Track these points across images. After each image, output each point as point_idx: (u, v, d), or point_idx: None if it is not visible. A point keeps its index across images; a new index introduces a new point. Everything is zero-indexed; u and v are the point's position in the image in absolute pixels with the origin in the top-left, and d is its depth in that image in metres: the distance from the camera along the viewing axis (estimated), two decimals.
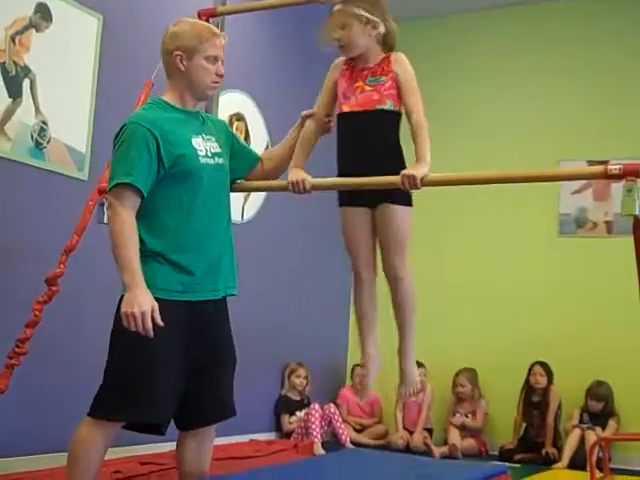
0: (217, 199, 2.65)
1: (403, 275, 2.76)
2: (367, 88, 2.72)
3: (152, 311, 2.36)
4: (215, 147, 2.67)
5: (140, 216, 2.50)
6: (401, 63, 2.72)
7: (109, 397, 2.48)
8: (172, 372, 2.48)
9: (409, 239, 2.77)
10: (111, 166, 2.53)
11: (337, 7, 2.77)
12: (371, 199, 2.74)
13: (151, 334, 2.35)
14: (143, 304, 2.34)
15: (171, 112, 2.61)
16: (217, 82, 2.67)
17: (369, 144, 2.71)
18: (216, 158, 2.65)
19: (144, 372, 2.44)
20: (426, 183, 2.56)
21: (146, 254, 2.49)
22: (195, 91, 2.65)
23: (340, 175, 2.78)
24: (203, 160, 2.59)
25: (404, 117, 2.72)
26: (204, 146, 2.62)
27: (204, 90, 2.66)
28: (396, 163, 2.67)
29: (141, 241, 2.48)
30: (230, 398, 2.71)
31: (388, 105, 2.70)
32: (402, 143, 2.74)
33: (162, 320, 2.39)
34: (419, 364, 5.89)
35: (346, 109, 2.75)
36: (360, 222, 2.78)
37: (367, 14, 2.70)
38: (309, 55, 5.98)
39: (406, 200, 2.73)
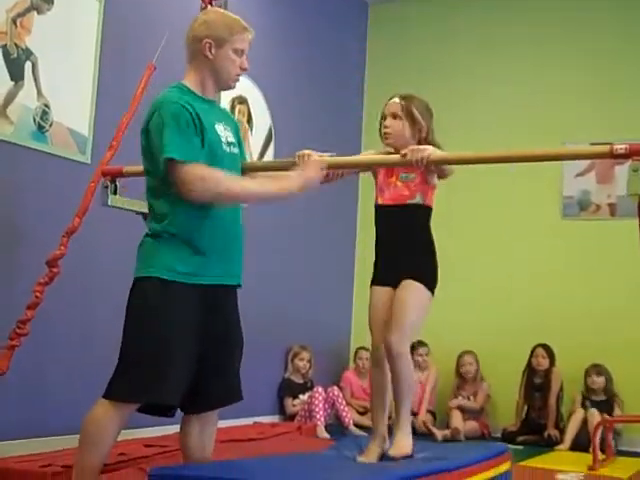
0: None
1: (397, 352, 2.89)
2: (399, 184, 3.00)
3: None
4: (231, 137, 2.69)
5: (162, 193, 2.52)
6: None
7: (125, 379, 2.49)
8: (186, 354, 2.50)
9: (415, 321, 2.95)
10: (166, 136, 2.46)
11: (396, 99, 3.02)
12: (396, 278, 2.99)
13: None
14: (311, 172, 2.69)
15: (194, 98, 2.60)
16: (239, 75, 2.69)
17: (402, 235, 3.02)
18: (232, 147, 2.67)
19: (158, 354, 2.45)
20: (436, 161, 2.59)
21: (162, 234, 2.51)
22: (218, 80, 2.66)
23: (375, 261, 3.12)
24: (225, 147, 2.62)
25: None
26: (224, 134, 2.64)
27: (227, 80, 2.68)
28: (424, 254, 3.05)
29: (160, 218, 2.51)
30: (237, 383, 2.73)
31: (417, 199, 2.99)
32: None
33: (176, 303, 2.46)
34: (423, 343, 5.97)
35: (381, 202, 3.06)
36: (381, 299, 3.03)
37: (420, 117, 2.98)
38: (312, 39, 5.97)
39: (425, 281, 2.99)
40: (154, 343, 2.46)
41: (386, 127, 3.00)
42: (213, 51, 2.60)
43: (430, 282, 3.02)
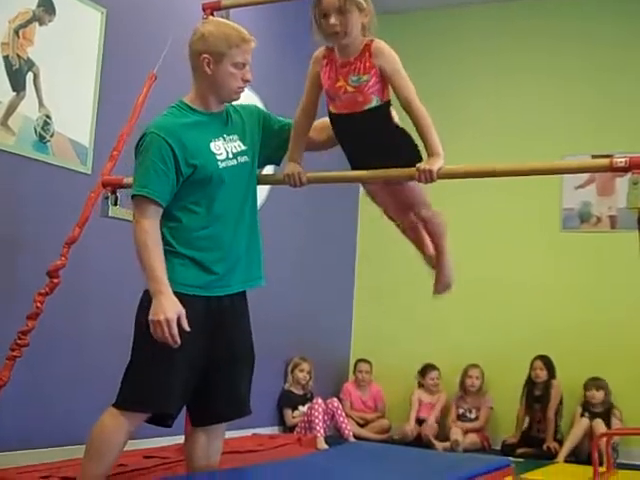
0: (240, 199, 2.66)
1: (432, 213, 2.85)
2: (350, 89, 2.57)
3: (178, 318, 2.40)
4: (238, 146, 2.66)
5: (164, 217, 2.54)
6: (382, 54, 2.56)
7: (131, 388, 2.52)
8: (187, 365, 2.51)
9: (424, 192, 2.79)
10: (135, 171, 2.56)
11: None
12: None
13: (177, 341, 2.40)
14: (168, 311, 2.39)
15: (192, 116, 2.60)
16: (242, 87, 2.65)
17: (369, 144, 2.64)
18: (239, 158, 2.65)
19: (161, 364, 2.47)
20: (441, 176, 2.56)
21: (168, 251, 2.52)
22: (220, 95, 2.64)
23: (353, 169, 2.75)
24: (223, 164, 2.59)
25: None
26: (225, 148, 2.62)
27: (229, 94, 2.65)
28: (406, 150, 2.62)
29: (164, 241, 2.52)
30: (246, 396, 2.73)
31: (374, 102, 2.58)
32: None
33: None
34: (433, 367, 5.98)
35: (333, 110, 2.66)
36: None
37: (364, 2, 2.54)
38: (313, 49, 5.97)
39: (412, 161, 2.61)
40: (154, 353, 2.47)
41: (334, 26, 2.51)
42: (212, 66, 2.56)
43: (416, 160, 2.61)
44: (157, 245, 2.46)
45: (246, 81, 2.64)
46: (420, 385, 6.06)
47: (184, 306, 2.45)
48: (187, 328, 2.41)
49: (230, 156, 2.62)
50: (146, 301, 2.50)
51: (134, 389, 2.51)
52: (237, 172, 2.63)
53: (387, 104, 2.61)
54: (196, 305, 2.52)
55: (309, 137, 2.77)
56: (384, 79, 2.57)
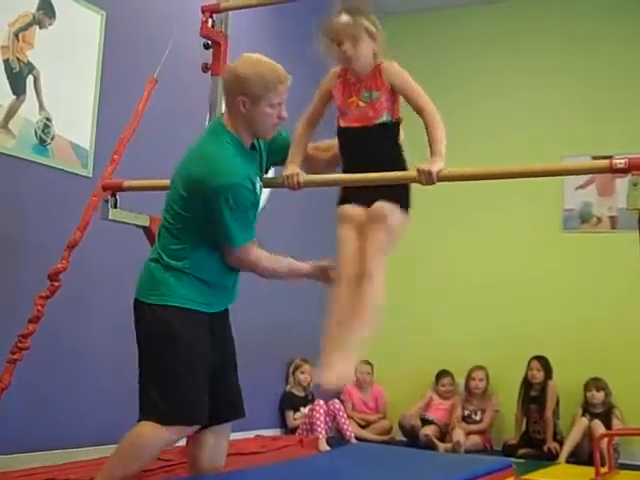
0: None
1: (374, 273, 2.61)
2: (361, 104, 2.67)
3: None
4: (260, 186, 2.74)
5: (184, 236, 2.59)
6: (392, 73, 2.66)
7: (169, 403, 2.52)
8: (206, 374, 2.60)
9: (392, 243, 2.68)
10: (231, 227, 2.55)
11: (345, 17, 2.67)
12: (368, 199, 2.66)
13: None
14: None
15: (242, 151, 2.64)
16: (277, 124, 2.68)
17: (371, 158, 2.66)
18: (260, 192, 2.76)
19: (189, 376, 2.54)
20: (441, 178, 2.55)
21: (177, 269, 2.58)
22: (255, 132, 2.67)
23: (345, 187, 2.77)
24: (258, 199, 2.71)
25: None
26: (259, 185, 2.71)
27: (264, 132, 2.69)
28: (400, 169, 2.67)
29: (177, 256, 2.58)
30: (241, 399, 2.82)
31: (385, 117, 2.66)
32: (411, 138, 2.73)
33: (191, 327, 2.56)
34: (447, 373, 5.99)
35: (343, 124, 2.72)
36: (354, 218, 2.69)
37: (373, 27, 2.66)
38: (313, 51, 5.98)
39: (400, 201, 2.64)
40: (184, 365, 2.53)
41: (346, 52, 2.62)
42: (248, 107, 2.59)
43: (404, 201, 2.67)
44: (275, 260, 2.72)
45: (281, 118, 2.67)
46: (435, 390, 6.08)
47: (192, 319, 2.56)
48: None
49: (260, 196, 2.73)
50: (161, 316, 2.55)
51: (172, 403, 2.52)
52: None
53: (397, 122, 2.69)
54: (202, 319, 2.61)
55: (315, 156, 2.85)
56: (395, 96, 2.68)
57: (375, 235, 2.59)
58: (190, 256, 2.58)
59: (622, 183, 5.48)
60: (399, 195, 2.65)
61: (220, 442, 2.73)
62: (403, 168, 2.68)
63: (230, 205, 2.51)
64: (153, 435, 2.51)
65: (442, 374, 6.03)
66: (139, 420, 2.55)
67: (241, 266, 2.68)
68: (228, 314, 2.81)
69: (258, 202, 2.68)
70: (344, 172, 2.75)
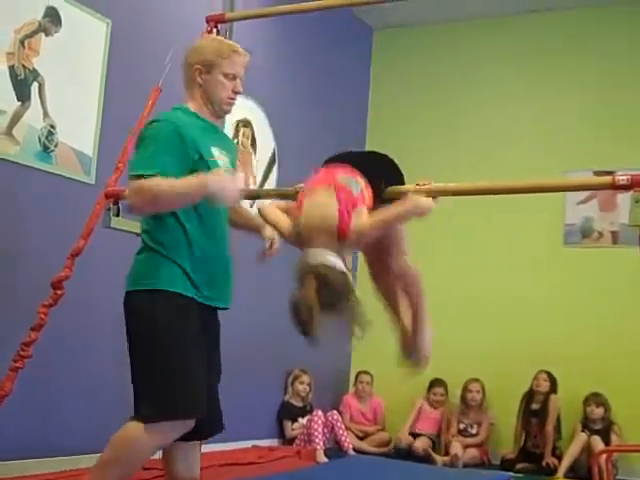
0: (224, 217, 2.68)
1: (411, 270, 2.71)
2: None
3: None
4: (227, 163, 2.68)
5: (160, 224, 2.54)
6: None
7: (165, 397, 2.44)
8: (202, 365, 2.50)
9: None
10: (133, 158, 2.56)
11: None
12: None
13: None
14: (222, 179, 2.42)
15: (195, 119, 2.64)
16: (233, 99, 2.69)
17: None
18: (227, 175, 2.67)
19: (186, 368, 2.45)
20: (444, 193, 2.54)
21: (165, 256, 2.51)
22: (212, 105, 2.67)
23: None
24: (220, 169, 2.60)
25: None
26: (220, 158, 2.64)
27: (220, 104, 2.67)
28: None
29: (162, 245, 2.52)
30: (221, 412, 2.69)
31: None
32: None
33: (183, 314, 2.46)
34: (440, 383, 5.97)
35: None
36: None
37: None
38: (317, 63, 6.01)
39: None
40: (179, 357, 2.45)
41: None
42: (203, 76, 2.63)
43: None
44: (162, 180, 2.41)
45: (236, 92, 2.68)
46: (426, 398, 6.07)
47: (184, 304, 2.47)
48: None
49: (223, 168, 2.62)
50: (143, 306, 2.48)
51: (169, 397, 2.43)
52: None
53: None
54: (193, 305, 2.52)
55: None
56: None
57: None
58: (169, 240, 2.52)
59: (624, 198, 5.51)
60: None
61: (195, 450, 2.65)
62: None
63: (147, 135, 2.51)
64: (146, 438, 2.41)
65: (435, 383, 5.99)
66: (137, 418, 2.45)
67: (132, 199, 2.48)
68: (219, 322, 2.71)
69: (213, 163, 2.57)
70: None
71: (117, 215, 3.21)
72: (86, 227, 3.25)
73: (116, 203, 3.22)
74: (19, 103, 3.72)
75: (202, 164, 2.53)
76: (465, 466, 5.40)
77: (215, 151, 2.61)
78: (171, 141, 2.49)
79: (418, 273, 2.72)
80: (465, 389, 5.91)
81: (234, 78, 2.66)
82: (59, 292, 3.18)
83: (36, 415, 3.72)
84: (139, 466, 2.53)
